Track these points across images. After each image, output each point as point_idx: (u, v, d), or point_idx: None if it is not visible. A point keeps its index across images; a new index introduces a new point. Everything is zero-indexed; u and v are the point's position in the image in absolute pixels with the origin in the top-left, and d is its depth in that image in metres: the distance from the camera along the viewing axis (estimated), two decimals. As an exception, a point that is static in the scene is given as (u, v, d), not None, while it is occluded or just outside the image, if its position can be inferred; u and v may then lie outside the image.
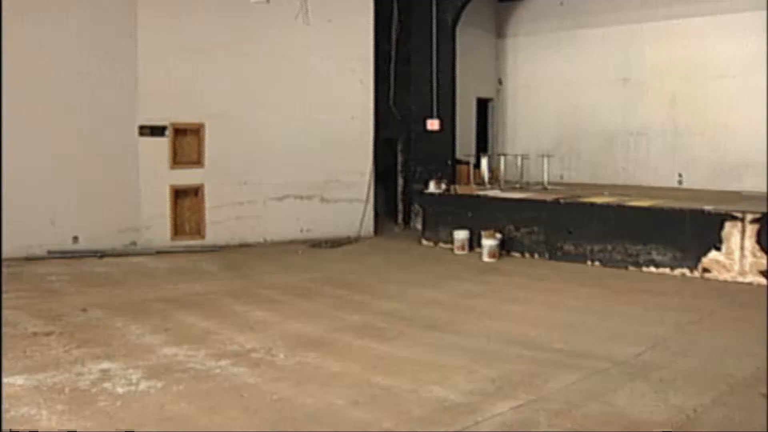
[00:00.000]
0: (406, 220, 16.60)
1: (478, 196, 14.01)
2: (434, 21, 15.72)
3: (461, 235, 13.45)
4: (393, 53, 16.10)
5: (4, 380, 6.39)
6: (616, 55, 16.62)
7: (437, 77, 15.80)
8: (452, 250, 13.53)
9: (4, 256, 12.04)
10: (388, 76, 16.02)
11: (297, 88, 14.61)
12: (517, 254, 12.97)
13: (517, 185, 15.38)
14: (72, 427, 5.36)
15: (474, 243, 13.33)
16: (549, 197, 13.12)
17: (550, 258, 12.57)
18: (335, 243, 14.39)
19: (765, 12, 13.83)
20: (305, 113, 14.64)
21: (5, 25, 12.06)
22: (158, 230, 13.69)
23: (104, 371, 6.64)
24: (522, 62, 18.54)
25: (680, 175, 15.56)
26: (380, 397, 6.04)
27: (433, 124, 15.72)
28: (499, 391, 6.13)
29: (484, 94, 18.59)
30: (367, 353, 7.29)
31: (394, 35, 16.15)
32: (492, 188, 14.79)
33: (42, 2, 12.74)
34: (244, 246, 14.14)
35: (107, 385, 6.29)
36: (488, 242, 12.76)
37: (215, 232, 14.06)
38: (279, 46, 14.47)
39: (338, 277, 11.34)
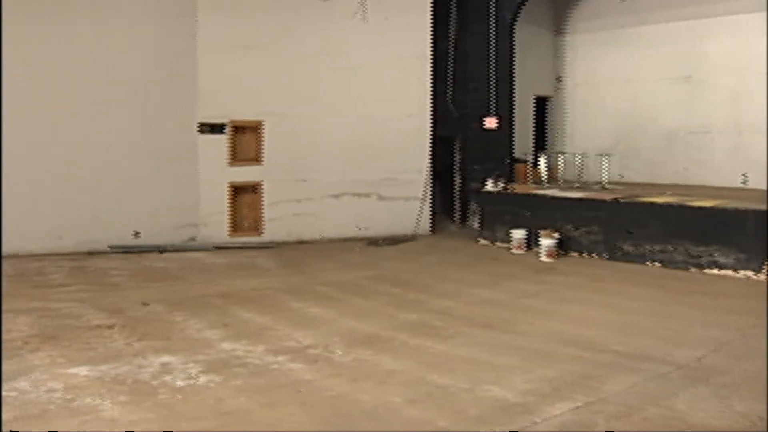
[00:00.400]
0: (463, 219, 16.54)
1: (536, 195, 13.90)
2: (492, 18, 15.64)
3: (519, 234, 13.35)
4: (451, 51, 16.05)
5: (70, 370, 6.57)
6: (677, 52, 16.30)
7: (495, 75, 15.72)
8: (509, 249, 13.44)
9: (69, 250, 12.38)
10: (445, 74, 15.98)
11: (354, 85, 14.67)
12: (575, 254, 12.83)
13: (576, 184, 15.20)
14: (133, 419, 5.47)
15: (531, 242, 13.23)
16: (608, 197, 12.95)
17: (609, 258, 12.40)
18: (392, 241, 14.41)
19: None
20: (362, 111, 14.68)
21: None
22: (217, 226, 13.88)
23: (164, 364, 6.76)
24: (581, 60, 18.33)
25: (744, 175, 15.19)
26: (436, 395, 6.03)
27: (490, 123, 15.65)
28: (556, 392, 6.07)
29: (542, 92, 18.44)
30: (423, 351, 7.29)
31: (451, 33, 16.10)
32: (550, 187, 14.65)
33: (107, 2, 13.02)
34: (300, 243, 14.26)
35: (167, 378, 6.40)
36: (546, 242, 12.65)
37: (272, 229, 14.20)
38: (337, 44, 14.53)
39: (394, 275, 11.35)
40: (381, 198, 14.99)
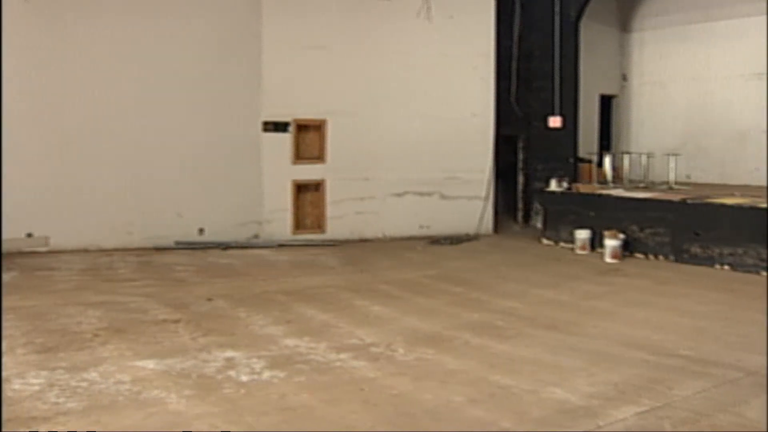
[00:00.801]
0: (526, 219, 16.42)
1: (600, 195, 13.70)
2: (557, 16, 15.45)
3: (583, 234, 13.19)
4: (515, 49, 15.94)
5: (137, 363, 6.71)
6: (750, 49, 15.87)
7: (560, 73, 15.54)
8: (573, 249, 13.30)
9: (137, 245, 12.69)
10: (509, 72, 15.88)
11: (417, 84, 14.68)
12: (640, 256, 12.62)
13: (642, 184, 14.95)
14: (199, 412, 5.56)
15: (596, 243, 13.06)
16: (675, 197, 12.70)
17: (676, 260, 12.16)
18: (454, 240, 14.38)
19: None
20: (426, 110, 14.68)
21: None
22: (280, 224, 14.03)
23: (229, 359, 6.85)
24: (648, 57, 17.99)
25: (819, 177, 14.74)
26: (498, 396, 5.99)
27: (554, 122, 15.47)
28: (622, 396, 5.98)
29: (607, 91, 18.15)
30: (485, 351, 7.25)
31: (516, 31, 15.99)
32: (615, 187, 14.42)
33: (172, 2, 13.27)
34: (363, 241, 14.34)
35: (232, 373, 6.48)
36: (611, 243, 12.47)
37: (335, 227, 14.30)
38: (400, 43, 14.56)
39: (457, 275, 11.32)
40: (443, 197, 14.97)
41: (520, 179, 16.54)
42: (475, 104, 15.16)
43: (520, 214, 16.55)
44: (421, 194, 14.83)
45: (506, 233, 15.54)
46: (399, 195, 14.72)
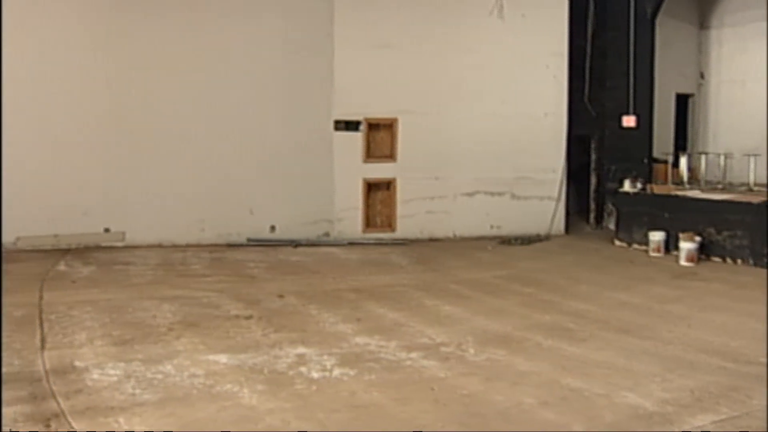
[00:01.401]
0: (598, 220, 16.14)
1: (676, 197, 13.39)
2: (632, 13, 15.14)
3: (657, 236, 12.92)
4: (588, 48, 15.69)
5: (210, 357, 6.83)
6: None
7: (634, 72, 15.23)
8: (647, 252, 13.02)
9: (210, 242, 13.01)
10: (582, 71, 15.63)
11: (489, 83, 14.57)
12: (717, 259, 12.29)
13: (719, 186, 14.54)
14: (271, 407, 5.63)
15: (671, 245, 12.76)
16: (755, 199, 12.33)
17: (755, 264, 11.80)
18: (525, 240, 14.25)
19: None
20: (497, 109, 14.55)
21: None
22: (350, 222, 14.10)
23: (300, 356, 6.93)
24: (727, 55, 17.48)
25: None
26: (570, 399, 5.92)
27: (629, 121, 15.15)
28: (698, 403, 5.83)
29: (684, 89, 17.70)
30: (557, 354, 7.17)
31: (589, 29, 15.72)
32: (691, 188, 14.07)
33: (247, 2, 13.45)
34: (433, 240, 14.30)
35: (303, 369, 6.55)
36: (686, 245, 12.17)
37: (405, 226, 14.30)
38: (472, 42, 14.47)
39: (528, 275, 11.22)
40: (515, 197, 14.83)
41: (593, 179, 16.27)
42: (548, 103, 14.98)
43: (592, 215, 16.27)
44: (492, 194, 14.72)
45: (578, 234, 15.32)
46: (470, 194, 14.64)
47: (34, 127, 12.24)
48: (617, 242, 13.98)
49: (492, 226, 14.68)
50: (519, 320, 8.43)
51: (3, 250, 11.75)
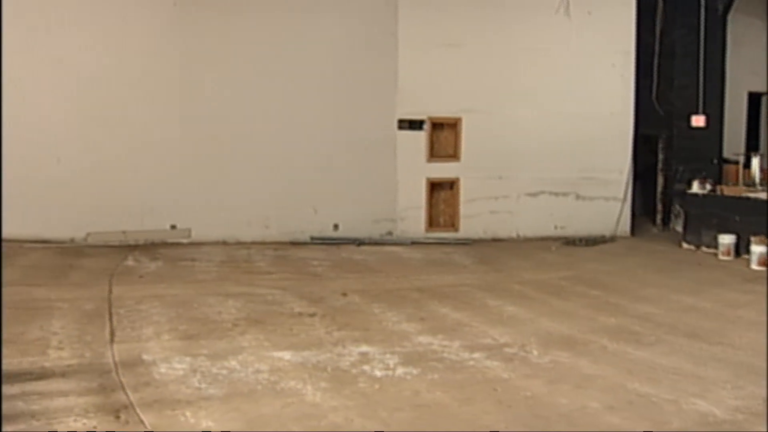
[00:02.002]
0: (665, 222, 15.82)
1: (747, 199, 13.03)
2: (703, 9, 14.80)
3: (727, 239, 12.60)
4: (656, 46, 15.38)
5: (274, 353, 6.89)
6: None
7: (704, 70, 14.89)
8: (716, 255, 12.70)
9: (273, 239, 13.20)
10: (650, 69, 15.34)
11: (554, 82, 14.39)
12: (790, 263, 11.94)
13: (793, 188, 14.14)
14: (334, 404, 5.66)
15: (741, 249, 12.43)
16: (831, 202, 11.95)
17: (830, 269, 11.44)
18: (589, 241, 14.06)
19: None
20: (562, 108, 14.36)
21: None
22: (413, 222, 14.09)
23: (363, 354, 6.95)
24: (803, 53, 16.99)
25: None
26: (637, 404, 5.81)
27: (698, 121, 14.83)
28: (772, 412, 5.68)
29: (756, 88, 17.21)
30: (623, 357, 7.04)
31: (658, 26, 15.42)
32: (763, 190, 13.68)
33: (311, 2, 13.55)
34: (496, 240, 14.21)
35: (366, 367, 6.57)
36: (758, 249, 11.83)
37: (468, 226, 14.23)
38: (536, 40, 14.33)
39: (592, 277, 11.06)
40: (579, 197, 14.64)
41: (660, 180, 15.95)
42: (614, 102, 14.73)
43: (658, 217, 15.96)
44: (556, 194, 14.55)
45: (644, 236, 15.05)
46: (534, 195, 14.50)
47: (105, 126, 12.54)
48: (685, 245, 13.68)
49: (556, 227, 14.52)
50: (584, 322, 8.32)
51: (73, 244, 12.13)
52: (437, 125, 14.16)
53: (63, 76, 12.33)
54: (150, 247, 12.50)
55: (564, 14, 13.72)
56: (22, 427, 5.10)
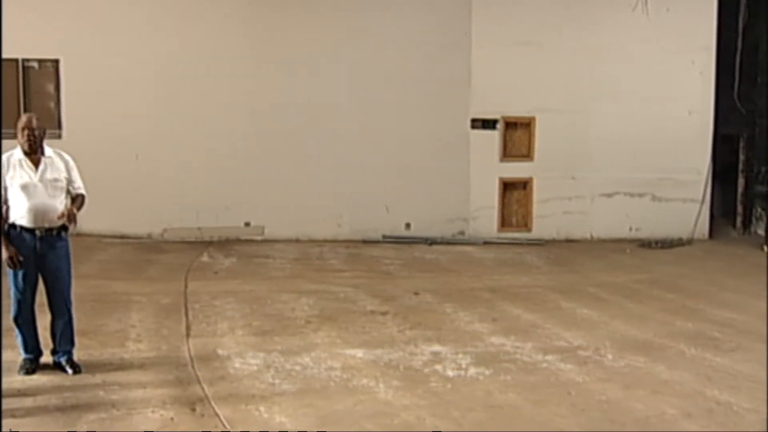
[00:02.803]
0: (746, 224, 15.37)
1: (833, 201, 12.61)
2: (790, 3, 14.34)
3: (812, 243, 12.20)
4: (739, 42, 14.94)
5: (347, 351, 6.94)
6: None
7: (791, 67, 14.44)
8: (800, 259, 12.32)
9: (346, 237, 13.33)
10: (732, 66, 14.90)
11: (631, 80, 14.09)
12: None
13: None
14: (406, 403, 5.66)
15: (826, 253, 12.03)
16: None
17: None
18: (665, 244, 13.75)
19: None
20: (638, 107, 14.05)
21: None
22: (485, 221, 14.00)
23: (435, 353, 6.93)
24: None
25: None
26: (716, 412, 5.66)
27: (782, 120, 14.40)
28: None
29: None
30: (701, 363, 6.86)
31: (740, 22, 14.98)
32: None
33: (384, 0, 13.58)
34: (569, 241, 14.03)
35: (438, 367, 6.55)
36: (844, 253, 11.43)
37: (541, 226, 14.09)
38: (614, 38, 14.08)
39: (669, 280, 10.81)
40: (655, 198, 14.34)
41: (741, 182, 15.51)
42: (692, 101, 14.37)
43: (739, 219, 15.51)
44: (632, 195, 14.28)
45: (723, 239, 14.65)
46: (608, 195, 14.26)
47: (182, 124, 12.79)
48: (767, 248, 13.27)
49: (631, 228, 14.26)
50: (660, 327, 8.13)
51: (150, 240, 12.47)
52: (511, 124, 14.04)
53: (143, 75, 12.61)
54: (224, 244, 12.71)
55: (642, 11, 13.46)
56: (103, 415, 5.25)
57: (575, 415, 5.52)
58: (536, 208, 14.11)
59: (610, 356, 6.97)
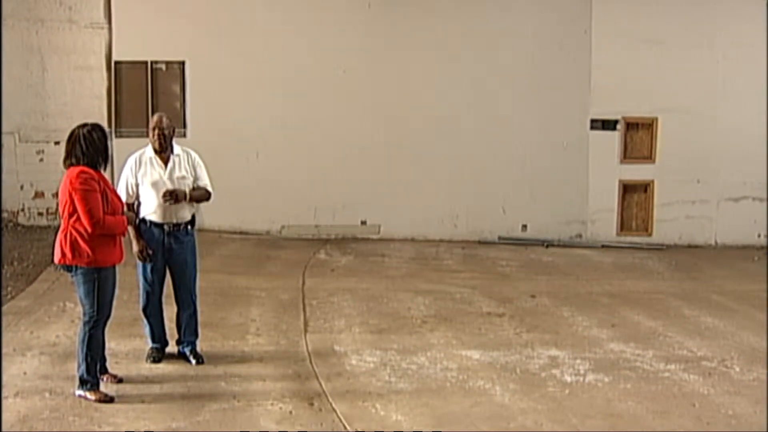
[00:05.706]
0: None
1: None
2: None
3: None
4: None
5: (463, 352, 6.93)
6: None
7: None
8: None
9: (461, 238, 13.27)
10: None
11: (759, 79, 13.41)
12: None
13: None
14: (523, 407, 5.61)
15: None
16: None
17: None
18: (797, 252, 13.12)
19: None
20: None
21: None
22: (604, 224, 13.68)
23: (552, 358, 6.84)
24: None
25: None
26: None
27: None
28: None
29: None
30: (839, 380, 6.51)
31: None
32: None
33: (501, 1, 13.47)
34: (692, 247, 13.56)
35: (555, 371, 6.46)
36: None
37: (662, 231, 13.66)
38: (739, 35, 13.46)
39: (801, 291, 10.31)
40: (787, 204, 13.70)
41: None
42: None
43: None
44: (761, 200, 13.66)
45: None
46: (735, 200, 13.70)
47: (301, 123, 13.00)
48: None
49: (760, 235, 13.65)
50: (789, 340, 7.76)
51: (269, 236, 12.75)
52: (632, 125, 13.67)
53: (264, 76, 12.88)
54: (341, 242, 12.87)
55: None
56: (224, 406, 5.42)
57: (700, 428, 5.34)
58: (657, 212, 13.68)
59: (737, 368, 6.70)
